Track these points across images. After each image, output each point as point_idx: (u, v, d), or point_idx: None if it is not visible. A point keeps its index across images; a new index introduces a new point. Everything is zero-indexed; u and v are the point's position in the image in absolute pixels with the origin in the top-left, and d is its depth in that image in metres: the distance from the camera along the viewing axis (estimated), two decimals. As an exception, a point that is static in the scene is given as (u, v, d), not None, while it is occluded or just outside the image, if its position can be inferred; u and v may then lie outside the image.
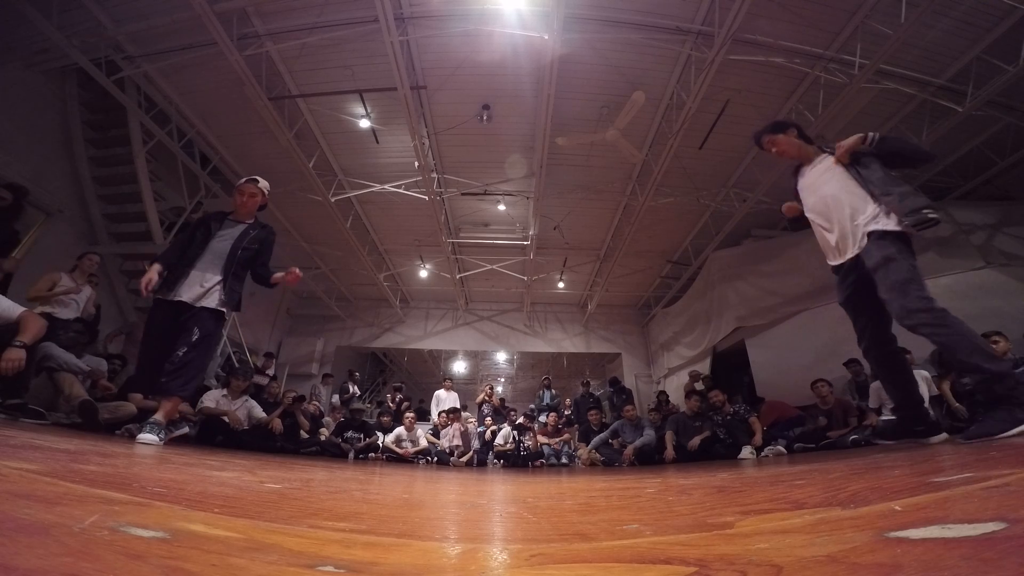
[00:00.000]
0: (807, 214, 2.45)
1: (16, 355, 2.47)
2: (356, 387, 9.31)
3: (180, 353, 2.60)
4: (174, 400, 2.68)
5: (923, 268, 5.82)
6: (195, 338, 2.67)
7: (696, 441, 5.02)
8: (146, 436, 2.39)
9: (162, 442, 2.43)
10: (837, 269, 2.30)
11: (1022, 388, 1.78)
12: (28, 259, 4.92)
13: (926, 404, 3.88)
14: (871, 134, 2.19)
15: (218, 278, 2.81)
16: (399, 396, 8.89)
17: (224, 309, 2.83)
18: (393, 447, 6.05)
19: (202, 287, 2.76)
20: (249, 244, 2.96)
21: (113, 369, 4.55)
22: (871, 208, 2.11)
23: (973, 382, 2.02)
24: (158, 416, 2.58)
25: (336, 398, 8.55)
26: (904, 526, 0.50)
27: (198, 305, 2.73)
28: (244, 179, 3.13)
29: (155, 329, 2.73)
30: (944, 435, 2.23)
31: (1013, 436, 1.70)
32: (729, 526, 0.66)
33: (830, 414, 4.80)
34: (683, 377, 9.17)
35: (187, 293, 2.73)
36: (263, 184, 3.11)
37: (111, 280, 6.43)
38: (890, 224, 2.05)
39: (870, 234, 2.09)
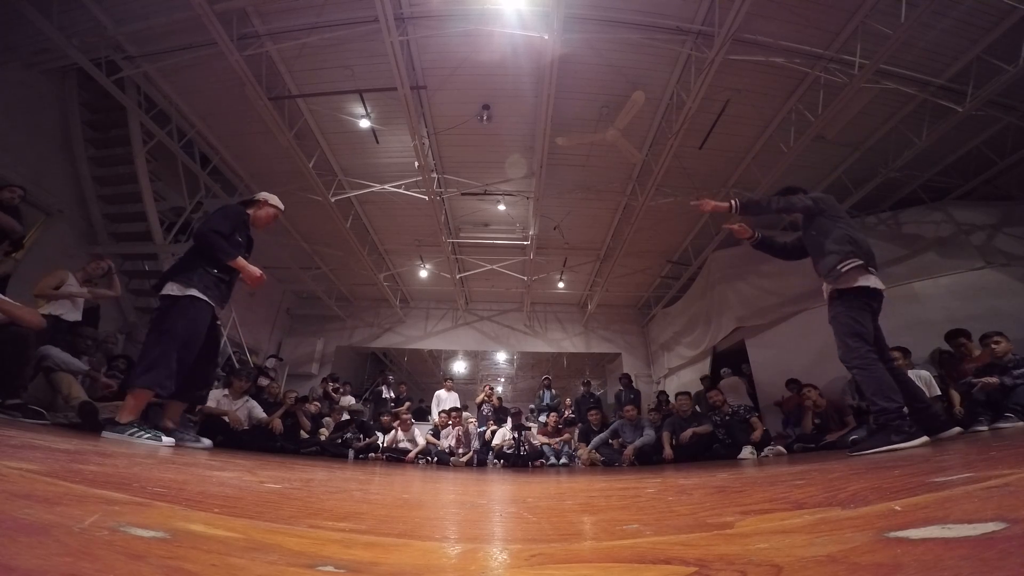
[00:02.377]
0: None
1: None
2: (392, 391, 9.28)
3: (214, 369, 2.83)
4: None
5: (923, 268, 5.89)
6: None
7: (688, 433, 5.01)
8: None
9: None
10: None
11: (902, 423, 2.34)
12: (28, 259, 4.92)
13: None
14: (734, 202, 2.76)
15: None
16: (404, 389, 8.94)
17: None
18: (392, 447, 6.07)
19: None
20: None
21: (116, 369, 4.53)
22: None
23: (872, 412, 2.52)
24: (175, 421, 2.78)
25: (349, 400, 8.47)
26: (904, 526, 0.50)
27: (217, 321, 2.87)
28: (279, 201, 3.19)
29: (201, 335, 2.65)
30: (957, 429, 2.62)
31: (882, 453, 2.21)
32: (729, 526, 0.66)
33: (824, 416, 4.81)
34: (683, 377, 9.18)
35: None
36: None
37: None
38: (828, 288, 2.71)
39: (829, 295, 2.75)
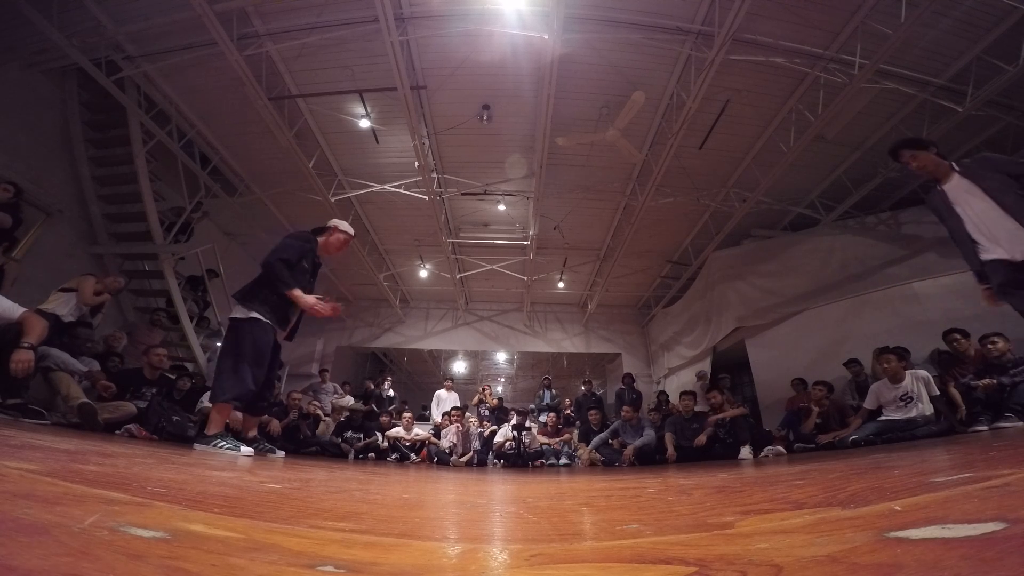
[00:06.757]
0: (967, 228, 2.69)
1: (25, 356, 2.50)
2: (390, 389, 9.31)
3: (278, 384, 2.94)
4: (261, 420, 3.11)
5: (923, 268, 5.87)
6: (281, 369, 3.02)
7: (703, 437, 4.98)
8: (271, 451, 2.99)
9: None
10: (1003, 265, 2.51)
11: None
12: (28, 259, 4.92)
13: (925, 405, 3.89)
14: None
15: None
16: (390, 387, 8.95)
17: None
18: (399, 440, 6.13)
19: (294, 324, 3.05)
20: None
21: (110, 368, 4.50)
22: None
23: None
24: (254, 432, 3.01)
25: (348, 399, 8.45)
26: (904, 526, 0.50)
27: (281, 341, 3.00)
28: (350, 227, 3.34)
29: (267, 353, 2.82)
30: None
31: None
32: (729, 526, 0.66)
33: (825, 415, 4.80)
34: (683, 377, 9.17)
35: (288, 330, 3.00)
36: None
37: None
38: None
39: None
